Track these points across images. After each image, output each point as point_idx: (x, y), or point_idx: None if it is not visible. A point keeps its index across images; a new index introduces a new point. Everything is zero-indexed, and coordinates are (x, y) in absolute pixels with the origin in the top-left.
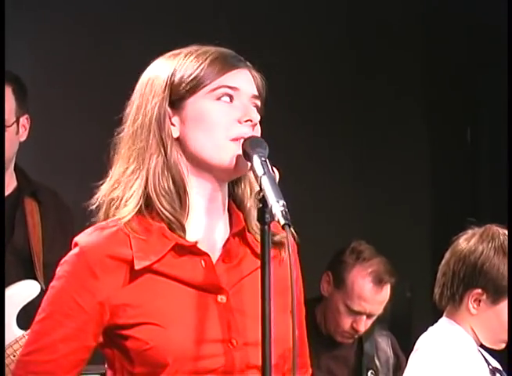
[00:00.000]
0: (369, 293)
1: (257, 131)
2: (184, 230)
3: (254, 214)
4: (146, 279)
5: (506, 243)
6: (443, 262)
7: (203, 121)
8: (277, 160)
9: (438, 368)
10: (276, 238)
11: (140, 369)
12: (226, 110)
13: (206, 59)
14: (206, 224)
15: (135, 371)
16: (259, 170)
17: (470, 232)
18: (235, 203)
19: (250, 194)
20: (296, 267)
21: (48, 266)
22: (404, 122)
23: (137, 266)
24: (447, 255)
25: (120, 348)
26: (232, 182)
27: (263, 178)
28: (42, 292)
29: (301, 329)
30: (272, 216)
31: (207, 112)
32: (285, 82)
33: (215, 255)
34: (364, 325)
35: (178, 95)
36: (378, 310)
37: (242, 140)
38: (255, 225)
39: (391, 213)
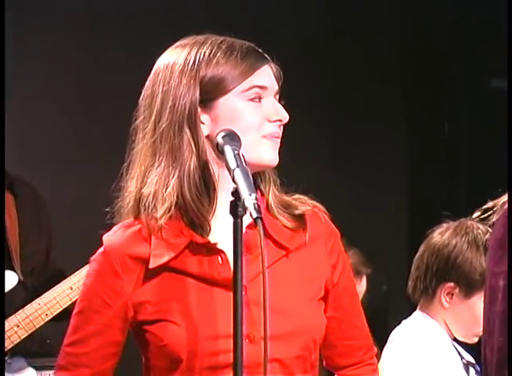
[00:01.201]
0: None
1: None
2: (209, 227)
3: (278, 194)
4: (164, 276)
5: (480, 237)
6: (417, 255)
7: (236, 121)
8: None
9: (412, 361)
10: (299, 219)
11: (160, 362)
12: (257, 111)
13: (235, 56)
14: (224, 220)
15: (156, 364)
16: (232, 163)
17: (444, 226)
18: (259, 188)
19: (272, 183)
20: (336, 253)
21: (25, 258)
22: (382, 117)
23: (151, 265)
24: (421, 249)
25: (144, 343)
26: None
27: (236, 172)
28: (19, 283)
29: (348, 312)
30: (245, 209)
31: (240, 112)
32: None
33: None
34: None
35: (208, 94)
36: None
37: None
38: (280, 208)
39: (368, 206)
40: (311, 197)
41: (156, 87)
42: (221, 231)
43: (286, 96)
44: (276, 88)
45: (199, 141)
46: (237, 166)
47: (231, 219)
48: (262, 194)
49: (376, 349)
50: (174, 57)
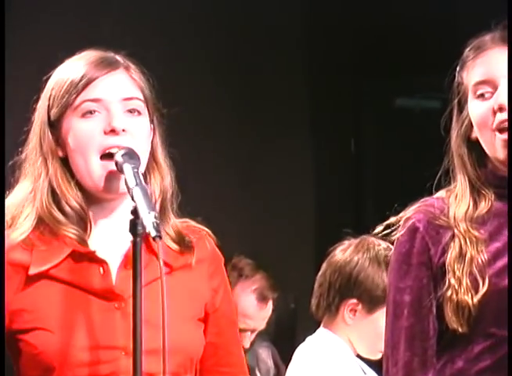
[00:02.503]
0: (253, 310)
1: (134, 135)
2: (83, 241)
3: (167, 217)
4: (43, 285)
5: (381, 253)
6: (320, 273)
7: (72, 141)
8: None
9: None
10: (186, 243)
11: (31, 372)
12: (90, 126)
13: (72, 73)
14: (106, 232)
15: (28, 374)
16: (131, 181)
17: (346, 243)
18: None
19: (161, 196)
20: (218, 277)
21: None
22: (288, 133)
23: (31, 272)
24: (323, 266)
25: (17, 352)
26: None
27: (135, 190)
28: None
29: (226, 338)
30: (144, 228)
31: (74, 131)
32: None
33: (117, 262)
34: (248, 340)
35: (54, 116)
36: (262, 325)
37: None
38: (166, 229)
39: (275, 224)
40: (199, 221)
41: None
42: (103, 242)
43: (192, 115)
44: (124, 96)
45: (48, 164)
46: (136, 184)
47: (113, 230)
48: None
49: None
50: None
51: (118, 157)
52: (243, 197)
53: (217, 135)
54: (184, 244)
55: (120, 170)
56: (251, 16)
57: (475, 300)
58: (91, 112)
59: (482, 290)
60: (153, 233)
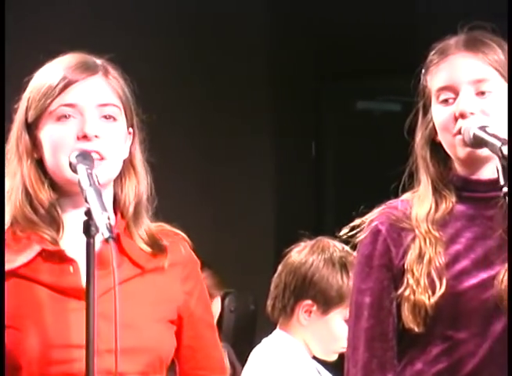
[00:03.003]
0: None
1: (107, 141)
2: (55, 241)
3: (140, 220)
4: (13, 283)
5: (336, 254)
6: (276, 274)
7: (47, 144)
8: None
9: None
10: (159, 247)
11: (7, 369)
12: (64, 130)
13: (50, 77)
14: (78, 232)
15: (6, 371)
16: (84, 182)
17: (302, 244)
18: (119, 208)
19: (136, 199)
20: (193, 281)
21: None
22: (249, 137)
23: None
24: (280, 268)
25: None
26: (118, 186)
27: (88, 191)
28: None
29: (204, 342)
30: (97, 229)
31: (49, 135)
32: None
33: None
34: None
35: (31, 118)
36: None
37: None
38: (138, 232)
39: (236, 226)
40: (175, 225)
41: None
42: (73, 240)
43: (153, 117)
44: (99, 102)
45: (23, 165)
46: (90, 185)
47: (77, 230)
48: (123, 216)
49: None
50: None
51: (72, 158)
52: (203, 197)
53: (177, 135)
54: (157, 246)
55: (74, 171)
56: (213, 19)
57: (432, 301)
58: (65, 116)
59: (439, 291)
60: (106, 234)
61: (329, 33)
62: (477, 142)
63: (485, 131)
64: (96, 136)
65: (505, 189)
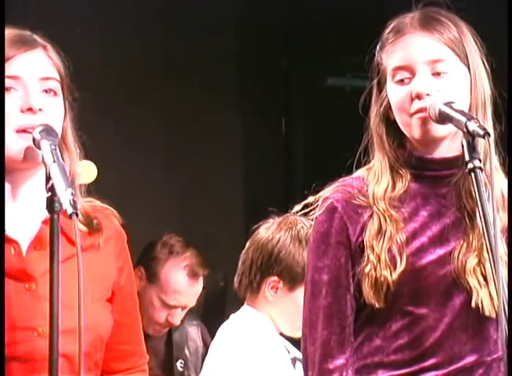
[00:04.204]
0: (184, 287)
1: (50, 116)
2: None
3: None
4: None
5: (303, 231)
6: (244, 250)
7: None
8: (85, 149)
9: (236, 356)
10: (94, 225)
11: None
12: (8, 102)
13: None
14: (17, 213)
15: None
16: (48, 158)
17: (270, 221)
18: None
19: (70, 178)
20: (123, 256)
21: None
22: (217, 113)
23: None
24: (247, 244)
25: None
26: None
27: (52, 167)
28: None
29: (129, 317)
30: (61, 205)
31: None
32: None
33: (28, 242)
34: (179, 318)
35: None
36: (193, 302)
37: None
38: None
39: (204, 203)
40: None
41: None
42: (14, 222)
43: (118, 94)
44: (42, 75)
45: None
46: (53, 161)
47: (24, 211)
48: None
49: (147, 356)
50: None
51: (36, 134)
52: (171, 174)
53: (142, 111)
54: (92, 225)
55: (37, 146)
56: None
57: (394, 276)
58: (7, 89)
59: (400, 267)
60: (70, 210)
61: (299, 8)
62: (443, 118)
63: (451, 107)
64: (40, 109)
65: (470, 166)
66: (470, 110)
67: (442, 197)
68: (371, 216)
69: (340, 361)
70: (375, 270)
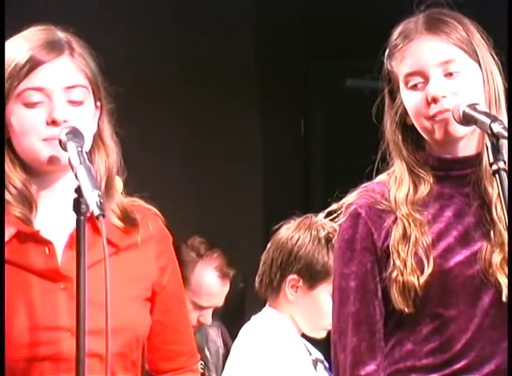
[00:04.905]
0: (216, 288)
1: (75, 125)
2: (29, 221)
3: (112, 194)
4: None
5: (323, 231)
6: (265, 251)
7: (16, 127)
8: None
9: (258, 358)
10: (131, 220)
11: None
12: (33, 115)
13: (17, 56)
14: (51, 212)
15: None
16: (75, 160)
17: (291, 222)
18: None
19: (106, 173)
20: (166, 256)
21: None
22: (237, 113)
23: None
24: (269, 244)
25: None
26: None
27: (78, 168)
28: None
29: (173, 317)
30: (88, 206)
31: (18, 118)
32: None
33: (63, 242)
34: (210, 317)
35: (4, 99)
36: (221, 302)
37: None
38: (111, 206)
39: (223, 204)
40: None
41: None
42: (48, 221)
43: (137, 94)
44: (66, 84)
45: None
46: (80, 163)
47: (58, 210)
48: None
49: (199, 356)
50: None
51: (62, 136)
52: (191, 175)
53: (162, 112)
54: (129, 221)
55: (64, 148)
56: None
57: (421, 280)
58: (34, 103)
59: (427, 270)
60: (97, 212)
61: (318, 10)
62: (467, 120)
63: (475, 109)
64: (65, 121)
65: (495, 167)
66: (485, 105)
67: (466, 196)
68: (395, 221)
69: (371, 367)
70: (402, 275)
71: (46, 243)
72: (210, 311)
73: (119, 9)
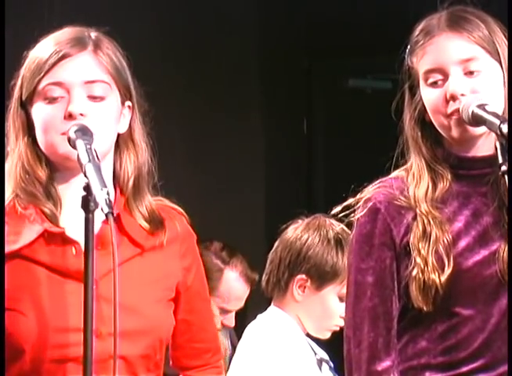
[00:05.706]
0: (243, 293)
1: (94, 120)
2: (55, 218)
3: (141, 195)
4: (15, 264)
5: (332, 232)
6: (272, 250)
7: (38, 124)
8: None
9: (263, 357)
10: (157, 223)
11: (6, 352)
12: (53, 111)
13: (40, 54)
14: (73, 210)
15: (5, 354)
16: (83, 158)
17: (299, 221)
18: (118, 184)
19: (135, 173)
20: (191, 256)
21: None
22: (239, 113)
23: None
24: (276, 243)
25: None
26: (117, 161)
27: (87, 166)
28: None
29: (199, 316)
30: (96, 204)
31: (39, 116)
32: None
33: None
34: (233, 319)
35: (24, 97)
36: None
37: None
38: (139, 207)
39: (226, 204)
40: (172, 200)
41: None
42: (73, 220)
43: (142, 95)
44: (86, 78)
45: (19, 141)
46: (89, 161)
47: (75, 210)
48: (122, 192)
49: (223, 353)
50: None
51: (71, 134)
52: (192, 173)
53: (165, 112)
54: (155, 222)
55: (73, 146)
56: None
57: (442, 279)
58: (54, 98)
59: (448, 269)
60: (106, 210)
61: (321, 10)
62: (476, 121)
63: (484, 110)
64: (82, 114)
65: (503, 168)
66: (506, 105)
67: (483, 196)
68: (414, 218)
69: (387, 363)
70: (422, 273)
71: (73, 243)
72: (234, 314)
73: (119, 9)
